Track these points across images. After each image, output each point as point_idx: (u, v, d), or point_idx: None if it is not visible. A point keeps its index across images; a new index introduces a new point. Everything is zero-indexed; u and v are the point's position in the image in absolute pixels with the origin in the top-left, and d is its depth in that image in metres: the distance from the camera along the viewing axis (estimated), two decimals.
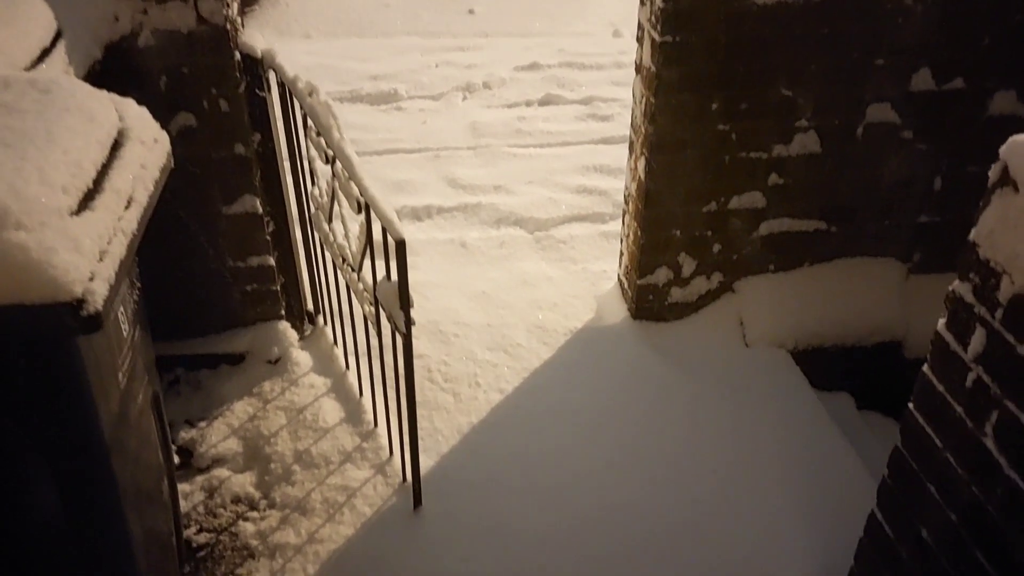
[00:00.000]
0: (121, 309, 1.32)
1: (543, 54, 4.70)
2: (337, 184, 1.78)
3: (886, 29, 2.14)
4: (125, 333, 1.33)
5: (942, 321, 1.23)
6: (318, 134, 1.79)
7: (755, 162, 2.31)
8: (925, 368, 1.27)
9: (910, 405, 1.31)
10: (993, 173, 1.16)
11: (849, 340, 2.48)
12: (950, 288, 1.21)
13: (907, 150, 2.34)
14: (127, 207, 1.23)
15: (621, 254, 2.63)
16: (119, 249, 1.15)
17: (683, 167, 2.30)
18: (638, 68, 2.30)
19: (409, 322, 1.59)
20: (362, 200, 1.62)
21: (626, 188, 2.51)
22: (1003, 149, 1.13)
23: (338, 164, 1.71)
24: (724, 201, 2.37)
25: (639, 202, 2.39)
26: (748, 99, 2.21)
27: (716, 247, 2.45)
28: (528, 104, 4.12)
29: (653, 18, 2.12)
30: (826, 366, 2.47)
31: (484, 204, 3.24)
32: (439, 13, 5.43)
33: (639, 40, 2.27)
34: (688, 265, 2.47)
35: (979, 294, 1.14)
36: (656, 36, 2.11)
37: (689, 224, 2.39)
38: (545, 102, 4.14)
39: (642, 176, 2.34)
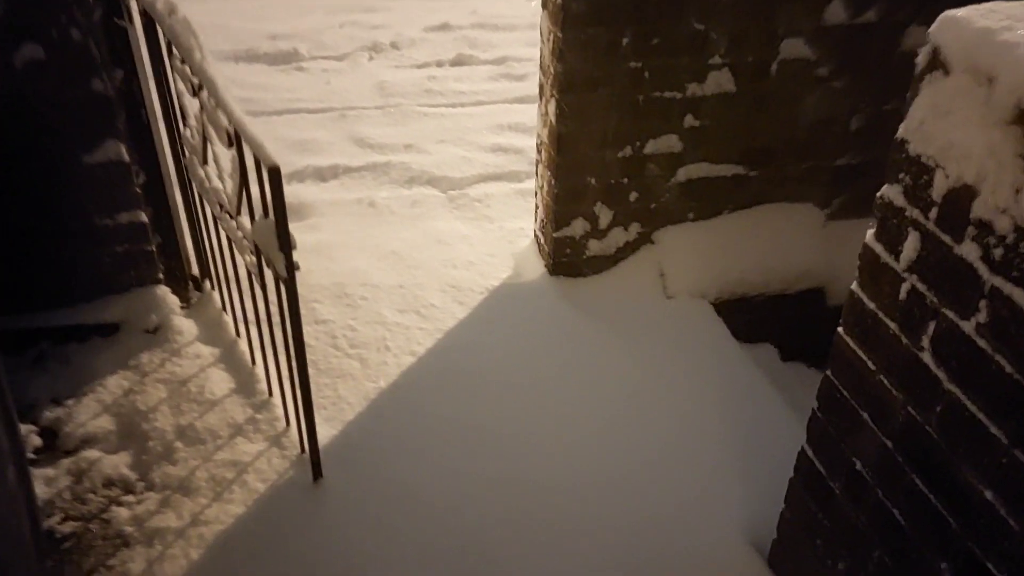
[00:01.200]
0: None
1: (454, 15, 4.51)
2: (205, 117, 1.58)
3: None
4: None
5: (870, 232, 1.12)
6: (182, 61, 1.58)
7: (669, 102, 2.19)
8: (854, 286, 1.16)
9: (839, 330, 1.20)
10: (921, 58, 1.05)
11: (771, 289, 2.40)
12: (878, 195, 1.11)
13: (823, 88, 2.26)
14: None
15: (536, 207, 2.49)
16: None
17: (595, 108, 2.16)
18: (545, 2, 2.15)
19: (292, 265, 1.41)
20: (231, 128, 1.43)
21: (537, 136, 2.37)
22: (932, 30, 1.02)
23: (204, 93, 1.51)
24: (640, 146, 2.24)
25: (551, 148, 2.25)
26: (660, 33, 2.09)
27: (633, 195, 2.32)
28: (439, 64, 3.94)
29: None
30: (749, 317, 2.39)
31: (394, 163, 3.06)
32: None
33: None
34: (605, 216, 2.34)
35: (910, 195, 1.03)
36: None
37: (604, 171, 2.26)
38: (457, 62, 3.96)
39: (553, 120, 2.19)
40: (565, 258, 2.40)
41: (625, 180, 2.30)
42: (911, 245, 1.01)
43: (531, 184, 2.97)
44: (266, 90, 3.49)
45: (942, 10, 2.14)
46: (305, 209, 2.73)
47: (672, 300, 2.36)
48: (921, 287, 1.00)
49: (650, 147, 2.26)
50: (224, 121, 1.46)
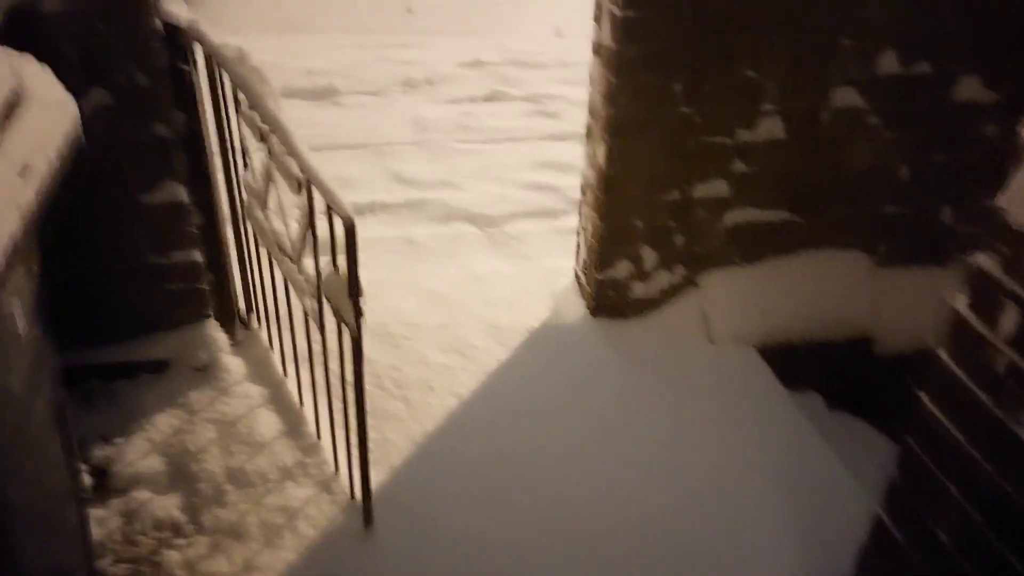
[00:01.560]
0: (16, 300, 1.10)
1: (486, 52, 4.55)
2: (273, 163, 1.59)
3: (851, 8, 2.06)
4: (21, 330, 1.12)
5: (963, 299, 1.11)
6: (250, 107, 1.60)
7: (719, 147, 2.20)
8: (941, 353, 1.15)
9: (921, 395, 1.19)
10: None
11: (817, 336, 2.39)
12: (970, 262, 1.10)
13: (873, 137, 2.26)
14: (21, 176, 1.02)
15: (578, 247, 2.49)
16: (10, 224, 0.95)
17: (645, 151, 2.17)
18: (596, 49, 2.16)
19: (360, 320, 1.41)
20: (303, 177, 1.44)
21: (583, 178, 2.37)
22: None
23: (273, 139, 1.52)
24: (687, 189, 2.25)
25: (598, 190, 2.25)
26: (712, 80, 2.10)
27: (679, 239, 2.32)
28: (473, 100, 3.97)
29: None
30: (794, 364, 2.37)
31: (431, 200, 3.07)
32: (376, 10, 5.25)
33: (596, 19, 2.13)
34: (650, 258, 2.34)
35: (1009, 267, 1.02)
36: (617, 11, 1.98)
37: (651, 213, 2.26)
38: (490, 98, 3.99)
39: (602, 162, 2.20)
40: (608, 300, 2.39)
41: (672, 223, 2.30)
42: (1011, 319, 1.00)
43: (567, 222, 2.98)
44: (305, 126, 3.48)
45: (994, 63, 2.15)
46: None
47: (716, 346, 2.34)
48: (1023, 363, 0.99)
49: (698, 191, 2.26)
50: (295, 169, 1.46)
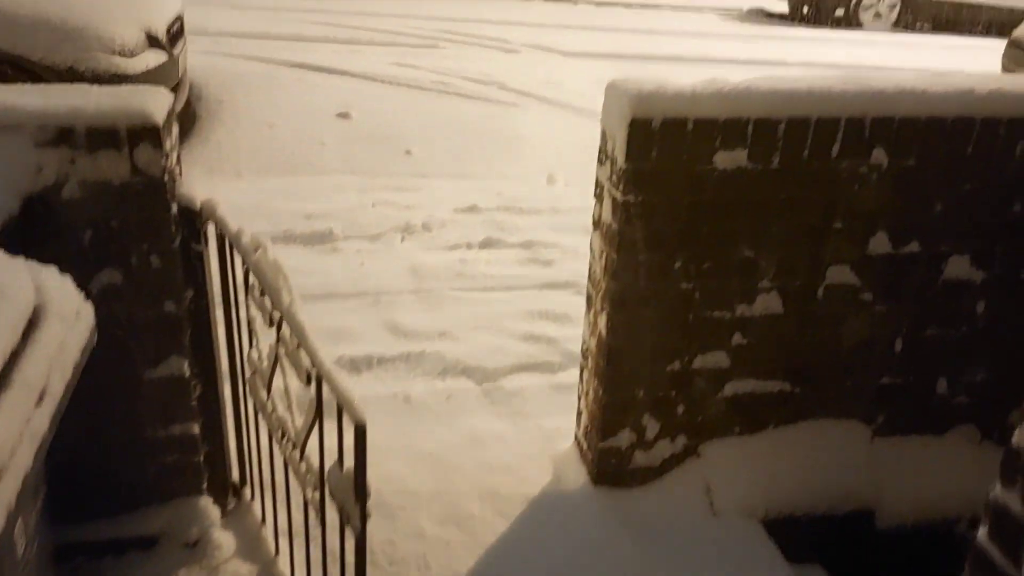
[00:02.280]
0: (20, 525, 1.07)
1: (481, 197, 4.68)
2: (283, 350, 1.59)
3: (843, 195, 2.15)
4: (20, 554, 1.08)
5: (983, 530, 1.10)
6: (262, 293, 1.61)
7: (719, 321, 2.24)
8: None
9: None
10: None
11: (819, 508, 2.35)
12: (991, 495, 1.10)
13: (867, 311, 2.31)
14: (39, 403, 1.01)
15: (580, 413, 2.48)
16: (24, 460, 0.94)
17: (646, 323, 2.20)
18: (596, 223, 2.23)
19: (365, 519, 1.38)
20: (314, 372, 1.44)
21: (584, 343, 2.39)
22: None
23: (285, 328, 1.53)
24: (688, 360, 2.26)
25: (600, 359, 2.27)
26: (711, 259, 2.16)
27: (680, 408, 2.32)
28: (469, 246, 4.04)
29: (615, 177, 2.06)
30: (797, 536, 2.33)
31: (428, 353, 3.07)
32: (375, 153, 5.41)
33: (598, 197, 2.21)
34: (652, 427, 2.33)
35: None
36: (618, 196, 2.05)
37: (653, 384, 2.27)
38: (486, 244, 4.07)
39: (603, 332, 2.22)
40: (610, 468, 2.36)
41: (673, 393, 2.30)
42: None
43: (565, 377, 2.98)
44: (303, 274, 3.55)
45: (982, 243, 2.23)
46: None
47: (719, 517, 2.30)
48: None
49: (698, 362, 2.28)
50: (306, 362, 1.47)
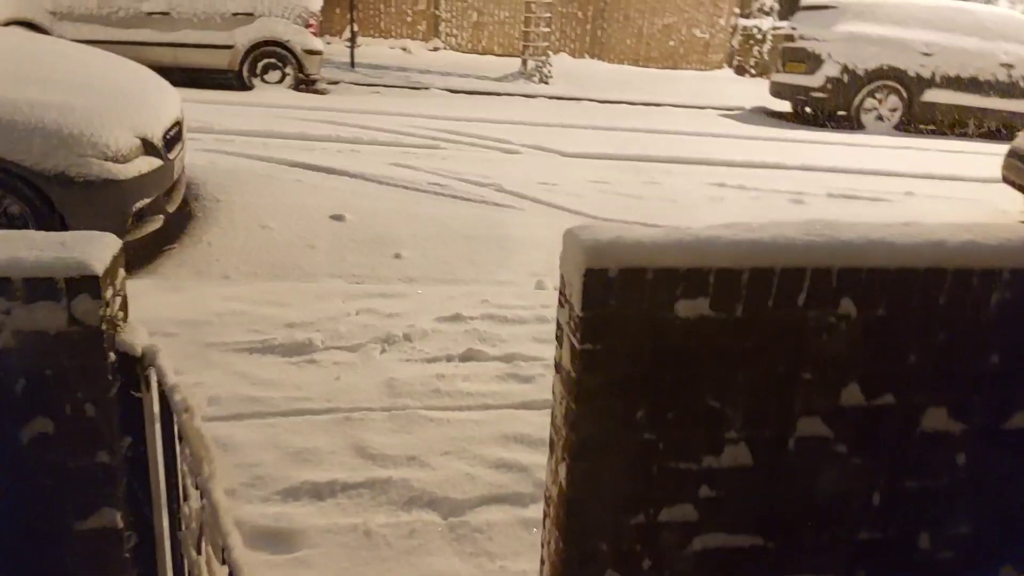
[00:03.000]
0: None
1: (466, 304, 4.65)
2: (204, 517, 1.51)
3: (811, 345, 2.09)
4: None
5: None
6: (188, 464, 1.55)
7: (685, 473, 2.14)
8: None
9: None
10: None
11: None
12: None
13: (842, 464, 2.21)
14: None
15: (542, 561, 2.36)
16: None
17: (608, 474, 2.11)
18: (558, 367, 2.17)
19: None
20: (227, 555, 1.35)
21: (546, 490, 2.30)
22: None
23: (206, 503, 1.45)
24: (653, 513, 2.16)
25: (560, 509, 2.17)
26: (675, 408, 2.08)
27: (646, 563, 2.21)
28: (449, 359, 3.98)
29: (572, 324, 2.01)
30: None
31: (395, 479, 2.97)
32: (365, 256, 5.43)
33: (558, 340, 2.16)
34: None
35: None
36: (576, 343, 1.99)
37: (616, 537, 2.16)
38: (466, 357, 4.01)
39: (563, 482, 2.13)
40: None
41: (638, 547, 2.19)
42: None
43: (535, 510, 2.87)
44: (275, 387, 3.49)
45: (959, 394, 2.15)
46: (296, 538, 2.61)
47: None
48: None
49: (664, 515, 2.17)
50: (219, 542, 1.39)
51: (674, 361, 2.05)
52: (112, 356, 1.71)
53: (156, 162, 4.63)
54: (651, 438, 2.09)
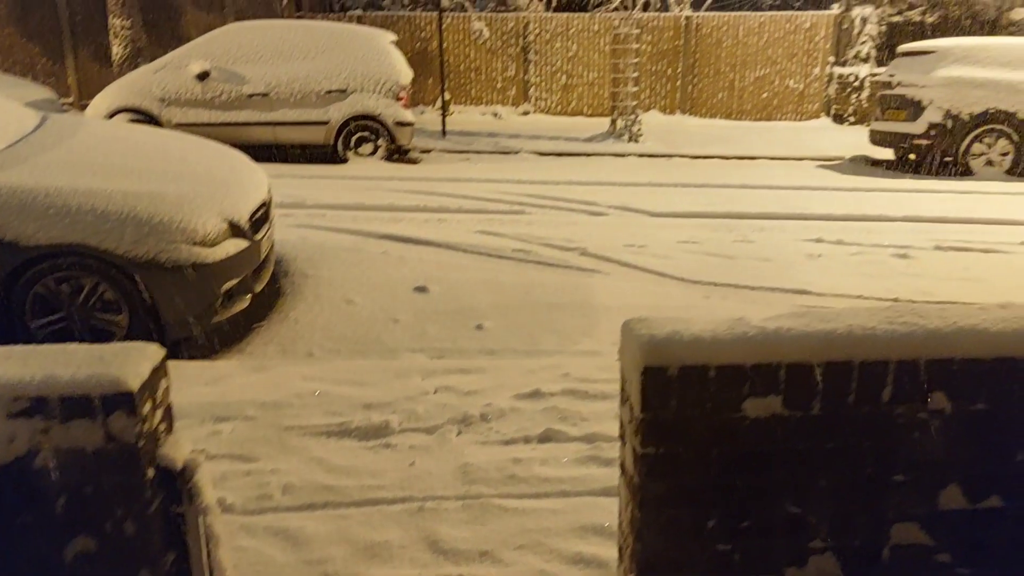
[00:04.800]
0: None
1: (547, 378, 4.53)
2: None
3: (901, 443, 1.88)
4: None
5: None
6: None
7: None
8: None
9: None
10: None
11: None
12: None
13: (946, 574, 1.96)
14: None
15: None
16: None
17: None
18: (623, 468, 2.03)
19: None
20: None
21: None
22: None
23: None
24: None
25: None
26: (751, 516, 1.90)
27: None
28: (527, 440, 3.86)
29: (633, 425, 1.88)
30: None
31: None
32: (447, 328, 5.41)
33: (622, 438, 2.02)
34: None
35: None
36: (637, 447, 1.86)
37: None
38: (544, 438, 3.88)
39: None
40: None
41: None
42: None
43: None
44: (350, 474, 3.45)
45: None
46: None
47: None
48: None
49: None
50: None
51: (746, 465, 1.87)
52: (151, 472, 1.69)
53: (243, 243, 4.78)
54: (725, 549, 1.91)
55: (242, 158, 5.67)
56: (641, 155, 14.14)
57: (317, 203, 8.43)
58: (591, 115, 18.03)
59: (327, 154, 11.50)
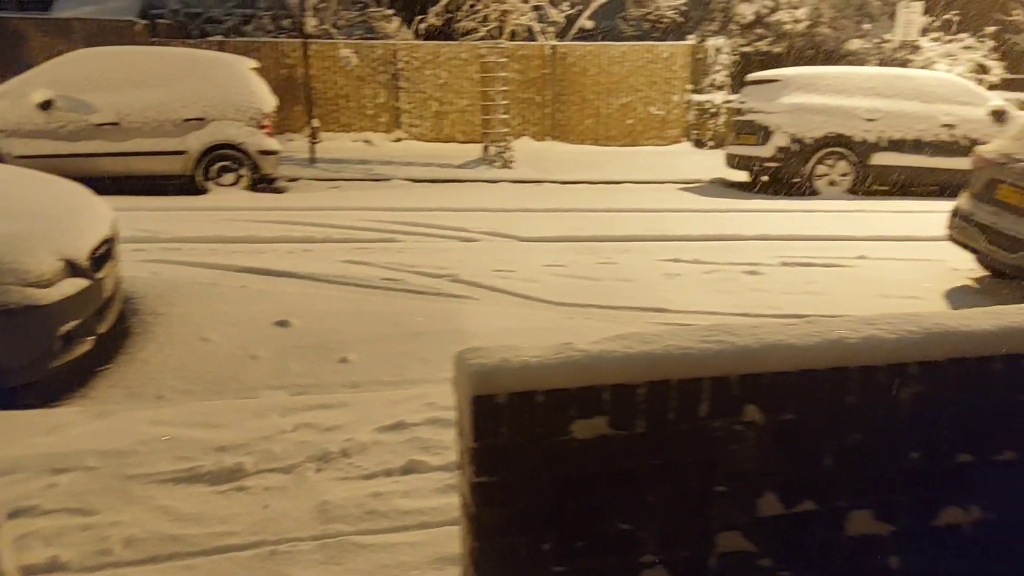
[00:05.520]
0: None
1: (411, 409, 4.50)
2: None
3: (720, 456, 1.98)
4: None
5: None
6: None
7: None
8: None
9: None
10: None
11: None
12: None
13: None
14: None
15: None
16: None
17: None
18: (461, 497, 2.04)
19: None
20: None
21: None
22: None
23: None
24: None
25: None
26: (583, 537, 1.95)
27: None
28: (388, 473, 3.81)
29: (466, 456, 1.90)
30: None
31: None
32: (310, 363, 5.29)
33: (458, 469, 2.03)
34: None
35: None
36: (472, 476, 1.87)
37: None
38: (407, 470, 3.84)
39: None
40: None
41: None
42: None
43: None
44: (199, 522, 3.30)
45: (884, 495, 2.04)
46: None
47: None
48: None
49: None
50: None
51: (577, 487, 1.93)
52: None
53: (83, 283, 4.53)
54: (561, 570, 1.95)
55: (82, 191, 5.38)
56: (513, 181, 14.38)
57: (173, 236, 8.09)
58: (464, 141, 18.21)
59: (186, 185, 11.07)
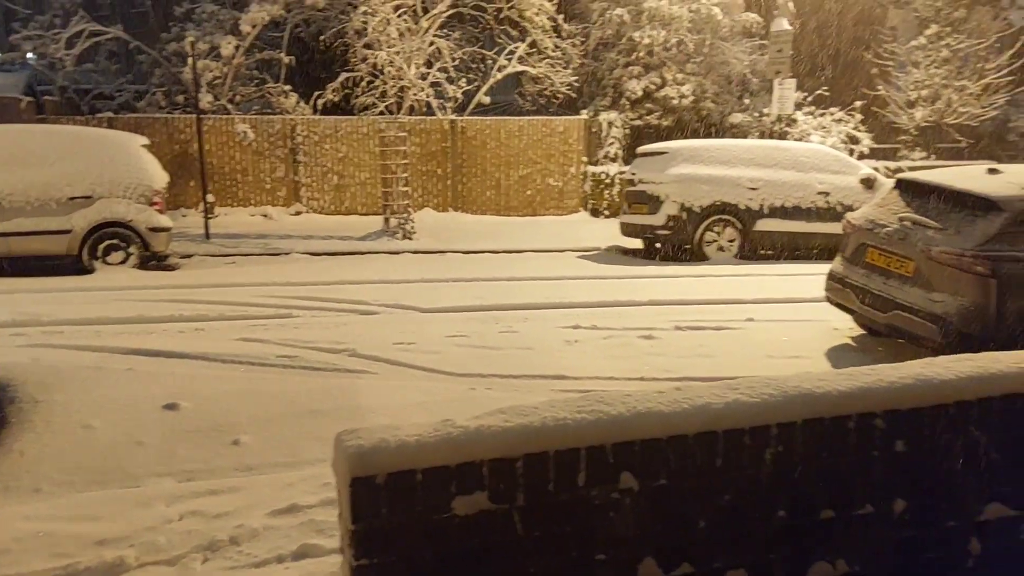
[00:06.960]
0: None
1: (305, 490, 4.39)
2: None
3: (599, 524, 2.03)
4: None
5: None
6: None
7: None
8: None
9: None
10: None
11: None
12: None
13: None
14: None
15: None
16: None
17: None
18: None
19: None
20: None
21: None
22: None
23: None
24: None
25: None
26: None
27: None
28: (280, 560, 3.69)
29: (347, 539, 1.88)
30: None
31: None
32: (199, 447, 5.10)
33: (341, 550, 2.01)
34: None
35: None
36: (352, 560, 1.86)
37: None
38: (299, 555, 3.73)
39: None
40: None
41: None
42: None
43: None
44: None
45: (756, 555, 2.11)
46: None
47: None
48: None
49: None
50: None
51: (460, 563, 1.94)
52: None
53: None
54: None
55: None
56: (415, 252, 14.45)
57: (55, 319, 7.73)
58: (365, 213, 18.21)
59: (72, 265, 10.63)
